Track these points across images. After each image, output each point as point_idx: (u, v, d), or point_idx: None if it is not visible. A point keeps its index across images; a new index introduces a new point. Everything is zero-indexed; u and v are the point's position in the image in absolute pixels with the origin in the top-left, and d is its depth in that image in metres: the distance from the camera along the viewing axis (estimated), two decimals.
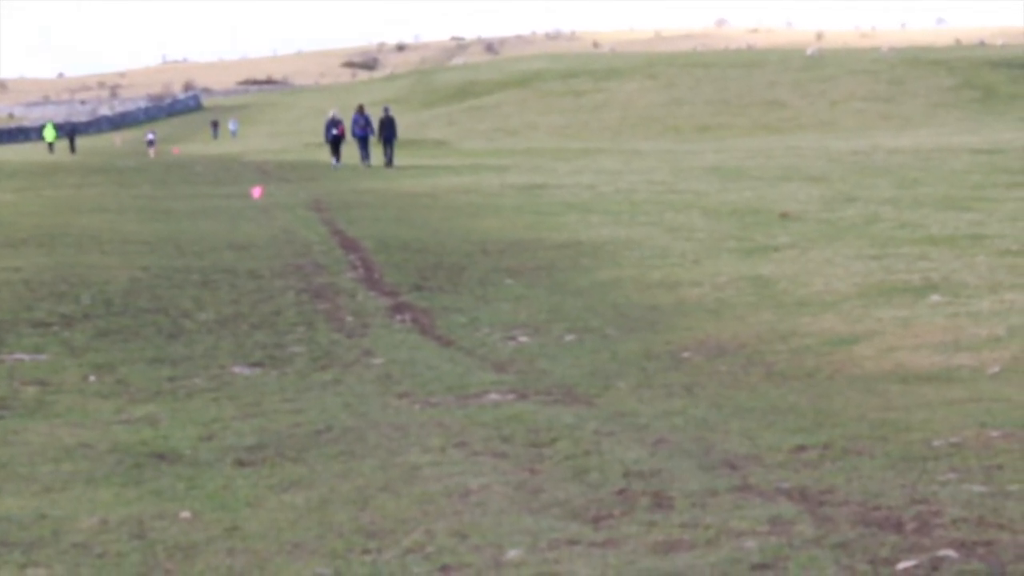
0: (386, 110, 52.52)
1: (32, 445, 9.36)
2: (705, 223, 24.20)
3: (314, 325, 15.00)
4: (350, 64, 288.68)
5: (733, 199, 28.92)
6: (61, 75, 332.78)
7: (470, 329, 14.74)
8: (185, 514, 7.40)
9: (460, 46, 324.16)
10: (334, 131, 52.35)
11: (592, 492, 7.56)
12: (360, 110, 52.96)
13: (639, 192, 32.23)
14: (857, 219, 23.41)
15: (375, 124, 51.84)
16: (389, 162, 50.22)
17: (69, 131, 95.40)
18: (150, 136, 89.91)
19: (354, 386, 11.62)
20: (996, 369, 10.94)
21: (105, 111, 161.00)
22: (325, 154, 54.81)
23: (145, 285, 17.47)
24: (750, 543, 6.42)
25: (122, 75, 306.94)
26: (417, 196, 33.04)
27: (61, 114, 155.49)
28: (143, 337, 14.18)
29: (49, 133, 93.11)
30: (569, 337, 13.98)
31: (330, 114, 54.64)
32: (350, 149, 53.27)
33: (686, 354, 12.65)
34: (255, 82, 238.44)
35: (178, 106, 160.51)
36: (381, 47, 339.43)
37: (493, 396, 10.81)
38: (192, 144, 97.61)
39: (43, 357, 12.97)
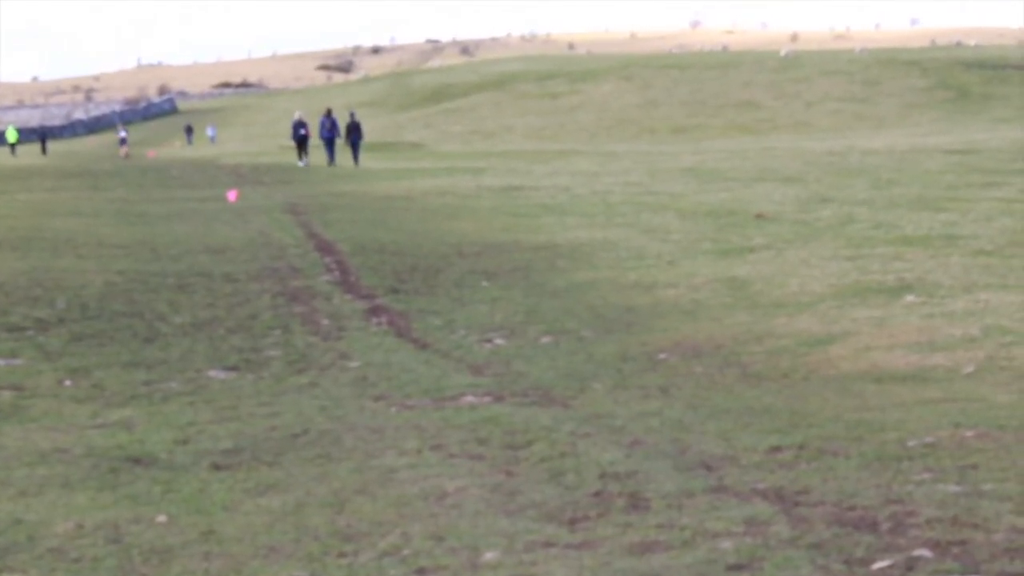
0: (352, 115, 54.95)
1: (7, 449, 9.33)
2: (681, 224, 24.23)
3: (290, 328, 14.98)
4: (325, 67, 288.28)
5: (709, 200, 28.96)
6: (35, 79, 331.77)
7: (446, 331, 14.74)
8: (161, 518, 7.39)
9: (435, 48, 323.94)
10: (301, 131, 54.87)
11: (568, 494, 7.57)
12: (328, 113, 55.22)
13: (615, 194, 32.25)
14: (832, 220, 23.46)
15: (342, 127, 54.22)
16: (355, 162, 52.48)
17: (41, 134, 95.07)
18: (122, 134, 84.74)
19: (330, 389, 11.61)
20: (971, 369, 10.98)
21: (80, 115, 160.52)
22: (314, 157, 55.94)
23: (120, 289, 17.43)
24: (726, 544, 6.44)
25: (96, 79, 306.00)
26: (393, 199, 33.03)
27: (36, 118, 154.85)
28: (118, 341, 14.15)
29: (11, 135, 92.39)
30: (545, 339, 13.99)
31: (296, 116, 56.98)
32: (319, 151, 54.28)
33: (662, 355, 12.67)
34: (230, 85, 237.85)
35: (153, 109, 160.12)
36: (356, 50, 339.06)
37: (469, 398, 10.82)
38: (167, 147, 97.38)
39: (18, 361, 12.93)
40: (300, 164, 53.53)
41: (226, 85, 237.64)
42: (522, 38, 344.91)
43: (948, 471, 7.58)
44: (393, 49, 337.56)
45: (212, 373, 12.56)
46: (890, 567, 5.99)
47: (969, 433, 8.43)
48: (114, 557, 6.75)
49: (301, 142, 54.93)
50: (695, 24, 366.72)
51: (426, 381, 11.73)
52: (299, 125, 55.24)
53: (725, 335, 13.46)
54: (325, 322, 15.37)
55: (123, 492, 8.05)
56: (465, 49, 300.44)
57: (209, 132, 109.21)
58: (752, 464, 8.04)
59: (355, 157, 53.01)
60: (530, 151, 64.13)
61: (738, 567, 6.11)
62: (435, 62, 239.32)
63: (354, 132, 53.43)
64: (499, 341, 14.01)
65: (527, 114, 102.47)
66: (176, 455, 9.05)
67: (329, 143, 53.91)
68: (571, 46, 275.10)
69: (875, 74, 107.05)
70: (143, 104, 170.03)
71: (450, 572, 6.31)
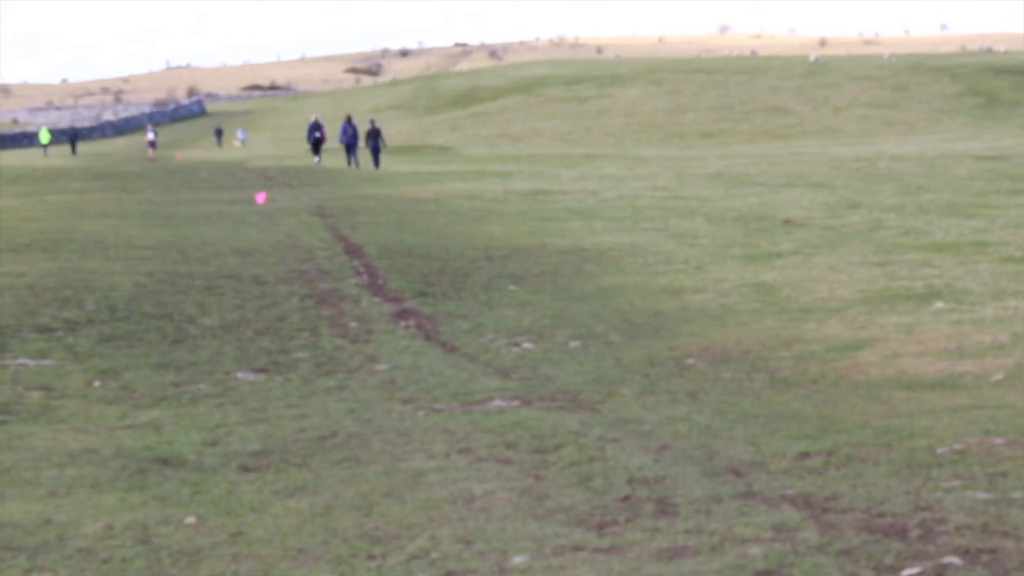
0: (372, 122, 56.36)
1: (37, 450, 9.37)
2: (709, 229, 24.21)
3: (318, 331, 15.01)
4: (354, 70, 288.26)
5: (737, 205, 28.94)
6: (65, 80, 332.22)
7: (474, 335, 14.75)
8: (190, 519, 7.41)
9: (464, 52, 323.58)
10: (316, 134, 57.31)
11: (597, 498, 7.57)
12: (348, 119, 57.02)
13: (643, 198, 32.24)
14: (861, 226, 23.42)
15: (361, 132, 55.99)
16: (376, 165, 53.92)
17: (71, 135, 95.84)
18: (151, 136, 79.71)
19: (358, 392, 11.63)
20: (1000, 376, 10.94)
21: (109, 116, 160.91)
22: (334, 159, 56.78)
23: (149, 291, 17.48)
24: (755, 550, 6.43)
25: (126, 80, 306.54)
26: (421, 202, 33.06)
27: (65, 119, 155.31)
28: (147, 343, 14.20)
29: (44, 136, 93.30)
30: (573, 343, 13.98)
31: (312, 118, 59.34)
32: (335, 155, 55.20)
33: (690, 360, 12.65)
34: (259, 88, 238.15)
35: (182, 112, 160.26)
36: (385, 53, 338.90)
37: (497, 402, 10.82)
38: (196, 150, 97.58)
39: (48, 362, 12.99)
40: (315, 162, 55.61)
41: (255, 88, 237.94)
42: (550, 42, 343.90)
43: (978, 478, 7.55)
44: (421, 52, 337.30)
45: (240, 375, 12.59)
46: (919, 574, 5.97)
47: (999, 440, 8.40)
48: (143, 558, 6.77)
49: (316, 144, 57.15)
50: (723, 29, 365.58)
51: (454, 384, 11.74)
52: (315, 127, 57.44)
53: (753, 340, 13.44)
54: (353, 325, 15.40)
55: (152, 493, 8.07)
56: (493, 53, 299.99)
57: (240, 135, 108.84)
58: (781, 470, 8.03)
59: (376, 161, 54.13)
60: (558, 155, 64.13)
61: (767, 573, 6.10)
62: (463, 65, 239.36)
63: (374, 137, 54.58)
64: (527, 345, 14.02)
65: (555, 118, 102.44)
66: (205, 456, 9.08)
67: (349, 148, 55.40)
68: (599, 50, 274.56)
69: (904, 80, 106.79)
70: (172, 106, 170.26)
71: None
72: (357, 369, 12.83)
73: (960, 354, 11.90)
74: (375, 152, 54.26)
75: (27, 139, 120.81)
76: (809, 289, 16.40)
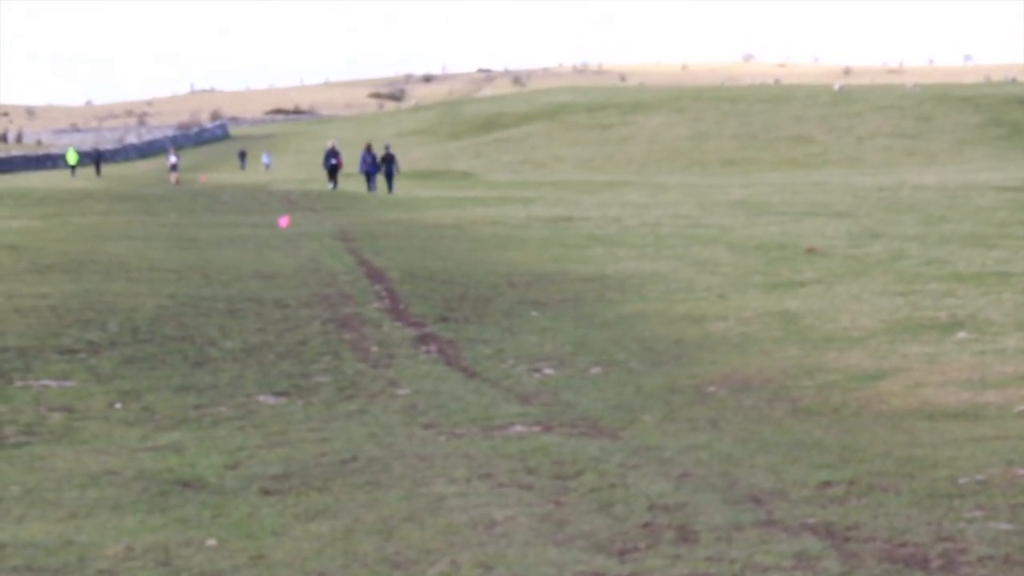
0: (387, 148, 57.31)
1: (58, 471, 9.40)
2: (731, 257, 24.18)
3: (340, 355, 15.03)
4: (377, 95, 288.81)
5: (759, 234, 28.90)
6: (89, 103, 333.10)
7: (495, 361, 14.75)
8: (211, 542, 7.42)
9: (487, 78, 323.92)
10: (332, 160, 57.87)
11: (617, 525, 7.56)
12: (368, 148, 57.31)
13: (665, 226, 32.23)
14: (883, 255, 23.37)
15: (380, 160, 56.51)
16: (390, 190, 54.76)
17: (96, 157, 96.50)
18: (172, 159, 77.84)
19: (379, 416, 11.64)
20: (1023, 407, 10.90)
21: (133, 139, 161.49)
22: (352, 184, 57.03)
23: (172, 313, 17.52)
24: None
25: (149, 103, 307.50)
26: (443, 227, 33.10)
27: (89, 141, 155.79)
28: (169, 365, 14.22)
29: (72, 156, 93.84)
30: (594, 370, 13.98)
31: (329, 145, 59.90)
32: (357, 181, 57.51)
33: (711, 388, 12.63)
34: (282, 111, 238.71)
35: (206, 135, 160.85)
36: (408, 78, 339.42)
37: (518, 428, 10.82)
38: (219, 173, 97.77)
39: (69, 383, 13.02)
40: (330, 187, 56.25)
41: (278, 111, 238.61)
42: (574, 68, 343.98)
43: (1000, 509, 7.53)
44: (445, 78, 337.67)
45: (262, 398, 12.61)
46: None
47: (1022, 471, 8.38)
48: None
49: (332, 171, 57.54)
50: (747, 57, 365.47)
51: (475, 410, 11.75)
52: (331, 154, 57.96)
53: (775, 369, 13.41)
54: (375, 349, 15.41)
55: (173, 515, 8.09)
56: (517, 79, 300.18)
57: (265, 159, 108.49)
58: (802, 499, 8.01)
59: (390, 186, 54.89)
60: (580, 182, 64.17)
61: None
62: (487, 91, 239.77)
63: (389, 163, 55.34)
64: (548, 371, 14.01)
65: (578, 144, 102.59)
66: (226, 479, 9.09)
67: (369, 176, 55.96)
68: (623, 77, 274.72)
69: (928, 110, 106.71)
70: (195, 129, 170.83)
71: None
72: (378, 393, 12.85)
73: (983, 384, 11.87)
74: (389, 178, 54.99)
75: (51, 161, 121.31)
76: (831, 318, 16.38)
